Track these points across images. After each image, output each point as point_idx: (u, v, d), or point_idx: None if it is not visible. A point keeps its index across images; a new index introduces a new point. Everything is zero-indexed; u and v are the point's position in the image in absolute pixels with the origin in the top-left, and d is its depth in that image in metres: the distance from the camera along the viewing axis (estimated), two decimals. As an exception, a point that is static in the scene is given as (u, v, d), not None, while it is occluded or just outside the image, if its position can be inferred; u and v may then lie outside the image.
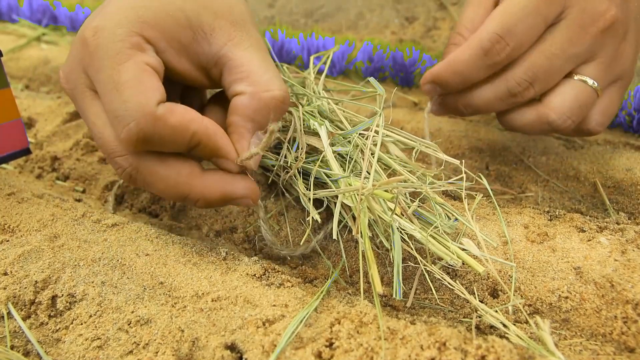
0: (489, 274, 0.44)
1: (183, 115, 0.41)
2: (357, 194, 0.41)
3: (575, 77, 0.53)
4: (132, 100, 0.39)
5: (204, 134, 0.41)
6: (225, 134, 0.43)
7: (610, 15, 0.51)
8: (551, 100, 0.53)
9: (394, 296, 0.39)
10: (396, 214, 0.43)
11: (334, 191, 0.44)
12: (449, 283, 0.43)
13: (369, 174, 0.46)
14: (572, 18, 0.51)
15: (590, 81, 0.53)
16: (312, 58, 0.60)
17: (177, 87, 0.50)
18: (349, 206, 0.47)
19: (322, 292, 0.41)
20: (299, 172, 0.49)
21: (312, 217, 0.45)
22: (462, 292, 0.42)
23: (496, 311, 0.43)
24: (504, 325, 0.39)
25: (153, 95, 0.40)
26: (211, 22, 0.44)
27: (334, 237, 0.43)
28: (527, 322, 0.42)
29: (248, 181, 0.44)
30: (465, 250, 0.43)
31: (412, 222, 0.43)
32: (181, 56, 0.44)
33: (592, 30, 0.51)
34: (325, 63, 0.84)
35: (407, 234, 0.43)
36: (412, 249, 0.43)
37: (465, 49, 0.52)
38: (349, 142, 0.48)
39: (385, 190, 0.43)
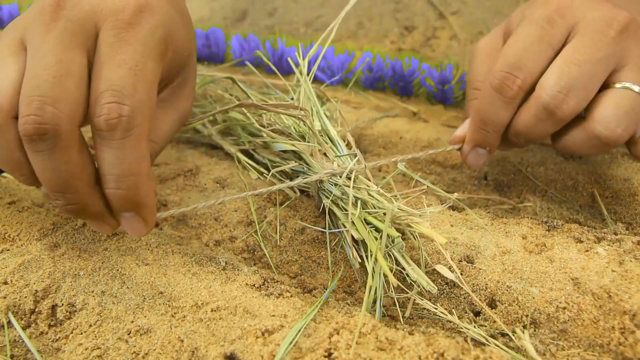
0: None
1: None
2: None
3: (616, 86, 0.49)
4: (52, 85, 0.39)
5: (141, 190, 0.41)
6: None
7: (622, 17, 0.49)
8: (593, 111, 0.49)
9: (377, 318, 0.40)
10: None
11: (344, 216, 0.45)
12: (432, 307, 0.43)
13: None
14: (584, 30, 0.49)
15: (630, 85, 0.49)
16: (304, 61, 0.61)
17: None
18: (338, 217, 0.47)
19: (319, 303, 0.41)
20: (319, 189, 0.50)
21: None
22: (445, 314, 0.42)
23: (494, 321, 0.43)
24: (486, 340, 0.39)
25: None
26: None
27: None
28: (524, 333, 0.42)
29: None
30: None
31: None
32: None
33: (610, 33, 0.48)
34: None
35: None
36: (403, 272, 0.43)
37: (479, 97, 0.52)
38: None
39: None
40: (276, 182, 0.55)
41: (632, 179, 0.59)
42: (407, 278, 0.44)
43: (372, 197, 0.47)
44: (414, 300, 0.45)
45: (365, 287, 0.48)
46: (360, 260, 0.46)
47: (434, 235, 0.43)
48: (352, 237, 0.46)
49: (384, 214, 0.45)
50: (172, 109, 0.49)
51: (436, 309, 0.43)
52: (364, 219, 0.46)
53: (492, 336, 0.41)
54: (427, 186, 0.51)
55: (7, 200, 0.53)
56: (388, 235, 0.43)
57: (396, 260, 0.44)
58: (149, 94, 0.40)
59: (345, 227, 0.47)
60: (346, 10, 0.57)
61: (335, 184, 0.49)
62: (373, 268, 0.42)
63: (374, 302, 0.42)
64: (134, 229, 0.42)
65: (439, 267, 0.44)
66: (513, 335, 0.41)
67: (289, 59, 0.84)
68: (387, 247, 0.44)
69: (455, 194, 0.47)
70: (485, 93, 0.51)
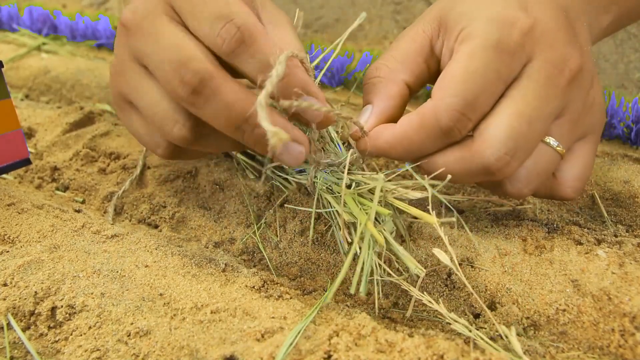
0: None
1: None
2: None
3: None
4: (236, 4, 0.42)
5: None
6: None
7: (575, 63, 0.44)
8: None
9: (361, 293, 0.39)
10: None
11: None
12: (419, 296, 0.43)
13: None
14: (537, 75, 0.43)
15: (553, 142, 0.45)
16: None
17: None
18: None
19: (319, 304, 0.41)
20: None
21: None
22: (432, 302, 0.42)
23: (493, 324, 0.43)
24: (483, 338, 0.39)
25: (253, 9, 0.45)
26: None
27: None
28: (525, 334, 0.42)
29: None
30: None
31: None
32: None
33: (560, 82, 0.44)
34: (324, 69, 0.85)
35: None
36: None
37: (420, 128, 0.44)
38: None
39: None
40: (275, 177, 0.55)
41: (632, 181, 0.59)
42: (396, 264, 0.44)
43: (364, 176, 0.47)
44: (415, 300, 0.45)
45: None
46: (350, 241, 0.45)
47: (423, 215, 0.41)
48: (345, 223, 0.45)
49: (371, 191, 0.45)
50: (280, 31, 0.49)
51: (438, 304, 0.43)
52: (358, 202, 0.45)
53: (491, 338, 0.41)
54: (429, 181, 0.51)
55: (7, 202, 0.53)
56: (378, 216, 0.43)
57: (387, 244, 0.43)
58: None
59: (337, 211, 0.47)
60: (352, 28, 0.57)
61: (331, 172, 0.49)
62: (361, 236, 0.41)
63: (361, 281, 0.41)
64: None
65: (436, 251, 0.42)
66: (526, 337, 0.41)
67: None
68: (377, 223, 0.44)
69: (450, 176, 0.45)
70: (428, 129, 0.43)
